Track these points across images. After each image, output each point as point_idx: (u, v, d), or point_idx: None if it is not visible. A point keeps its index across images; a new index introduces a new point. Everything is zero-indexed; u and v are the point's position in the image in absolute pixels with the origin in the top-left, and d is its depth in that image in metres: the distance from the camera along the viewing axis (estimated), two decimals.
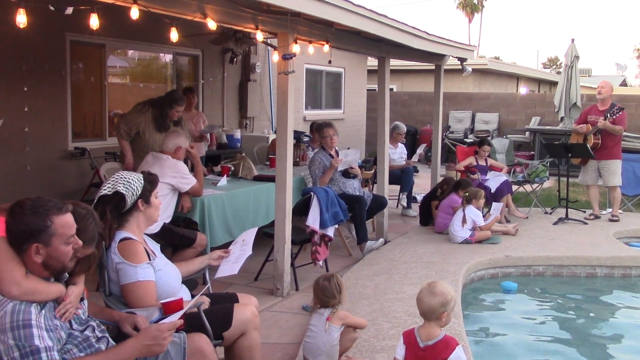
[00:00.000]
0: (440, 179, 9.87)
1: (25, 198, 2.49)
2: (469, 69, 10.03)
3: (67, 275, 2.63)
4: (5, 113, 6.47)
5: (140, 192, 3.32)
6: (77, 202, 2.80)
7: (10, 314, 2.30)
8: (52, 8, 3.80)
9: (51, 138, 7.43)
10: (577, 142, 8.73)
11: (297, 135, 8.10)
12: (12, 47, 6.65)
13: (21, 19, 3.44)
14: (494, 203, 7.94)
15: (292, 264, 5.72)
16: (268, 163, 8.08)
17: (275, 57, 5.55)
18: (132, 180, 3.32)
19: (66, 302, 2.53)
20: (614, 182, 8.66)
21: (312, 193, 5.99)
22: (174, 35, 4.71)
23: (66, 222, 2.48)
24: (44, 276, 2.49)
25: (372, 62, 14.65)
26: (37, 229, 2.40)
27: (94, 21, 3.93)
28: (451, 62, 9.78)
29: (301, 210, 6.00)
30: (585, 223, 8.39)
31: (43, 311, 2.40)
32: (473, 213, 7.22)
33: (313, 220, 5.86)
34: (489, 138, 13.78)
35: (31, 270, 2.45)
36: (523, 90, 24.14)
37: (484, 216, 7.48)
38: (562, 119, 13.92)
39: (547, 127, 15.07)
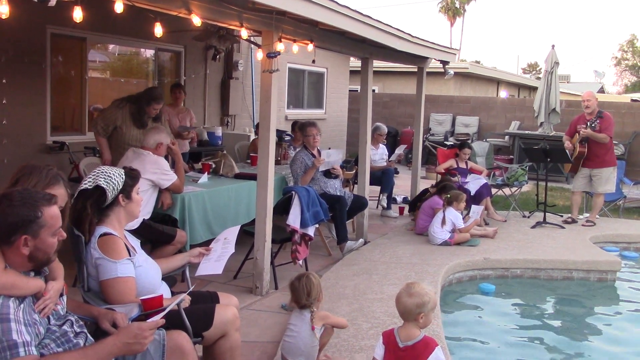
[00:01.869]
0: (420, 181, 9.94)
1: (11, 189, 2.46)
2: (451, 72, 10.09)
3: (47, 270, 2.60)
4: None
5: (121, 187, 3.28)
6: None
7: None
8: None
9: (30, 131, 7.33)
10: (573, 149, 8.69)
11: (279, 134, 8.10)
12: None
13: (3, 9, 3.39)
14: (473, 206, 7.99)
15: (272, 263, 5.71)
16: (249, 161, 8.06)
17: (259, 55, 5.55)
18: (113, 175, 3.29)
19: (45, 298, 2.49)
20: (604, 190, 8.66)
21: (293, 192, 5.98)
22: (158, 30, 4.68)
23: (55, 213, 2.46)
24: (26, 269, 2.46)
25: (355, 62, 14.69)
26: (28, 220, 2.37)
27: (78, 14, 3.88)
28: (433, 65, 9.83)
29: (282, 209, 5.99)
30: (563, 227, 8.48)
31: (22, 305, 2.36)
32: (453, 215, 7.27)
33: (294, 219, 5.85)
34: (469, 141, 13.89)
35: (13, 264, 2.41)
36: (503, 94, 24.36)
37: (463, 218, 7.52)
38: (541, 124, 14.06)
39: (527, 132, 15.22)
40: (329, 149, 7.79)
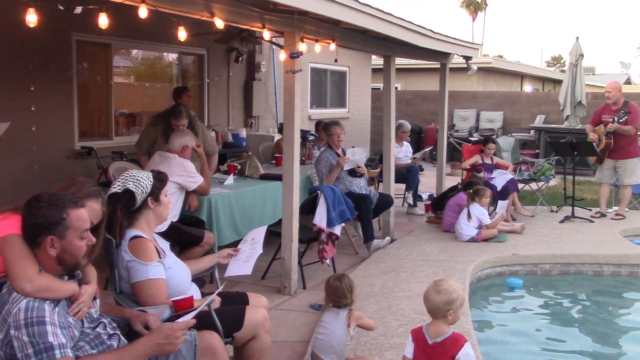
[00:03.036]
0: (445, 178, 9.89)
1: (41, 192, 2.52)
2: (474, 67, 10.02)
3: (80, 274, 2.65)
4: (13, 113, 6.48)
5: (149, 190, 3.32)
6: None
7: (25, 310, 2.31)
8: (61, 7, 3.81)
9: (58, 137, 7.44)
10: (599, 140, 8.59)
11: (303, 134, 8.11)
12: (19, 46, 6.66)
13: (31, 18, 3.45)
14: (499, 201, 7.93)
15: (299, 263, 5.73)
16: (274, 162, 8.09)
17: (282, 55, 5.56)
18: (142, 178, 3.33)
19: (79, 301, 2.54)
20: (630, 181, 8.57)
21: (318, 191, 5.99)
22: (181, 34, 4.72)
23: (81, 215, 2.50)
24: (57, 273, 2.50)
25: (377, 60, 14.68)
26: (53, 221, 2.42)
27: (103, 20, 3.94)
28: (456, 61, 9.77)
29: (308, 208, 6.00)
30: (592, 221, 8.37)
31: (57, 308, 2.41)
32: (478, 211, 7.22)
33: (320, 218, 5.86)
34: (494, 136, 13.78)
35: (45, 267, 2.46)
36: (528, 88, 24.12)
37: (490, 214, 7.47)
38: (567, 117, 13.89)
39: (552, 126, 15.05)
40: (353, 147, 7.79)
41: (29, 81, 6.99)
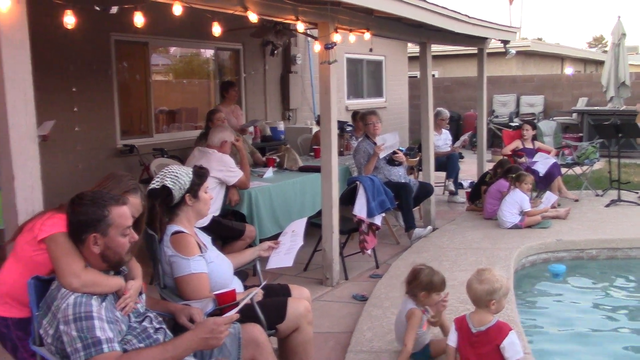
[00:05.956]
0: (486, 165, 9.75)
1: (84, 191, 2.57)
2: (513, 51, 9.86)
3: (126, 269, 2.70)
4: (56, 113, 6.62)
5: (188, 186, 3.34)
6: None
7: (73, 306, 2.37)
8: (97, 8, 3.87)
9: (100, 136, 7.58)
10: None
11: (341, 125, 8.10)
12: (59, 49, 6.79)
13: (69, 20, 3.51)
14: (548, 193, 7.77)
15: (340, 254, 5.73)
16: (312, 154, 8.10)
17: (317, 47, 5.55)
18: (181, 174, 3.35)
19: (126, 296, 2.59)
20: None
21: (358, 182, 5.98)
22: (216, 29, 4.74)
23: (123, 212, 2.55)
24: (102, 269, 2.55)
25: (413, 48, 14.53)
26: (96, 218, 2.48)
27: (139, 19, 3.98)
28: (493, 45, 9.62)
29: (347, 199, 6.00)
30: (639, 204, 8.16)
31: (104, 303, 2.46)
32: (519, 197, 7.10)
33: (360, 209, 5.85)
34: (535, 121, 13.52)
35: (90, 264, 2.52)
36: (569, 70, 23.59)
37: (532, 200, 7.34)
38: (611, 98, 13.55)
39: (596, 108, 14.69)
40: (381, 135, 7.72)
41: (71, 82, 7.13)
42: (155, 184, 3.32)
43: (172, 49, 9.36)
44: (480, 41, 9.05)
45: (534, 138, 9.33)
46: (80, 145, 7.27)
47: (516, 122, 14.93)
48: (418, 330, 3.67)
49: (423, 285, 3.66)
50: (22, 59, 2.94)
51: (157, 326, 2.70)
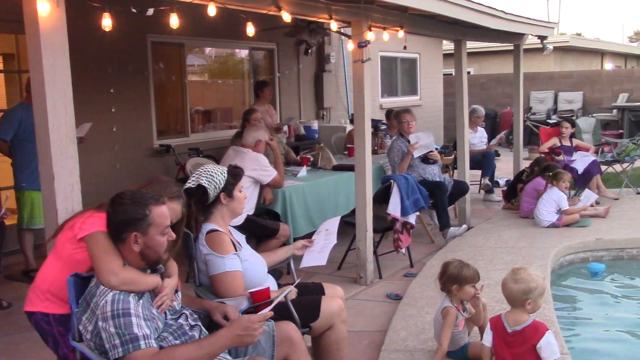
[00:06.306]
0: (522, 162, 9.62)
1: (125, 190, 2.62)
2: (550, 47, 9.70)
3: (162, 268, 2.74)
4: (94, 114, 6.76)
5: (223, 185, 3.38)
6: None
7: (111, 303, 2.42)
8: (133, 10, 3.92)
9: (137, 137, 7.71)
10: None
11: (375, 123, 8.08)
12: (97, 51, 6.92)
13: (106, 22, 3.57)
14: (586, 190, 7.62)
15: (374, 252, 5.73)
16: (346, 153, 8.10)
17: (350, 46, 5.55)
18: (216, 174, 3.40)
19: (162, 294, 2.63)
20: None
21: (392, 180, 5.96)
22: (250, 29, 4.78)
23: (162, 212, 2.59)
24: (140, 267, 2.60)
25: (448, 45, 14.42)
26: (137, 217, 2.52)
27: (174, 20, 4.03)
28: (530, 41, 9.48)
29: (381, 198, 5.98)
30: None
31: (141, 301, 2.50)
32: (556, 195, 6.98)
33: (394, 208, 5.83)
34: (574, 118, 13.29)
35: (129, 262, 2.57)
36: (609, 66, 23.12)
37: (570, 198, 7.21)
38: None
39: (637, 104, 14.36)
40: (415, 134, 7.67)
41: (109, 84, 7.26)
42: (190, 183, 3.37)
43: (207, 50, 9.46)
44: (516, 37, 8.93)
45: (572, 135, 9.17)
46: (118, 146, 7.40)
47: (554, 119, 14.68)
48: (454, 329, 3.64)
49: (453, 277, 3.62)
50: (62, 62, 3.01)
51: (193, 323, 2.74)
